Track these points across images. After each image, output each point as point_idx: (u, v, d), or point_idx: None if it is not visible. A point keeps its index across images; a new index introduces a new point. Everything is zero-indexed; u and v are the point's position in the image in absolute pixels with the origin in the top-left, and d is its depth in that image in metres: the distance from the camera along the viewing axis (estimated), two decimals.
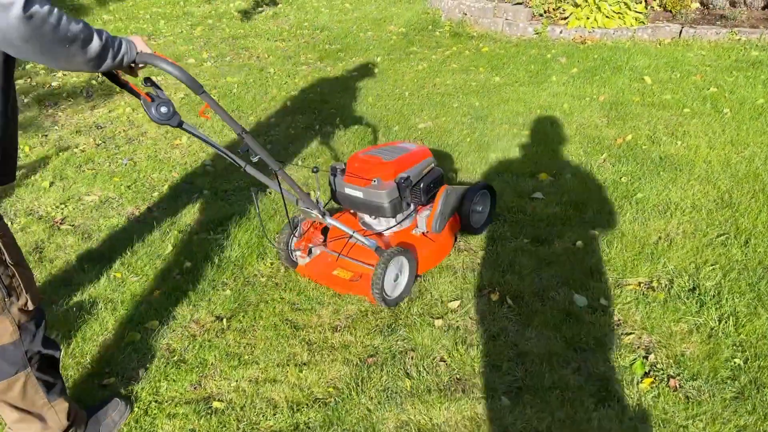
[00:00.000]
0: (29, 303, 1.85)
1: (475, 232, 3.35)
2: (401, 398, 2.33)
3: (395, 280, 2.82)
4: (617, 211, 3.57)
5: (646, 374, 2.44)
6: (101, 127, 5.09)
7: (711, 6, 7.41)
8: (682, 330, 2.66)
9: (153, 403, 2.34)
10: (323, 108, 5.36)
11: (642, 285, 2.95)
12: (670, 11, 7.42)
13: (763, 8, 7.27)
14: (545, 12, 7.50)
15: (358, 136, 4.74)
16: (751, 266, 3.03)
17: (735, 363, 2.46)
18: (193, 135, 2.30)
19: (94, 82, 6.17)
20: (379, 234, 3.04)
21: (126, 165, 4.36)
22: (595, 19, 7.15)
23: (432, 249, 3.07)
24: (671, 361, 2.50)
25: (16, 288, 1.81)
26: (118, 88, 2.07)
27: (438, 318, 2.74)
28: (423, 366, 2.48)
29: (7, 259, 1.78)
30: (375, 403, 2.31)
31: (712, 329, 2.64)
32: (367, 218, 3.12)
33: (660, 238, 3.29)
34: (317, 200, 2.87)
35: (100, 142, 4.79)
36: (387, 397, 2.34)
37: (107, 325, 2.74)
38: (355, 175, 2.94)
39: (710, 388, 2.35)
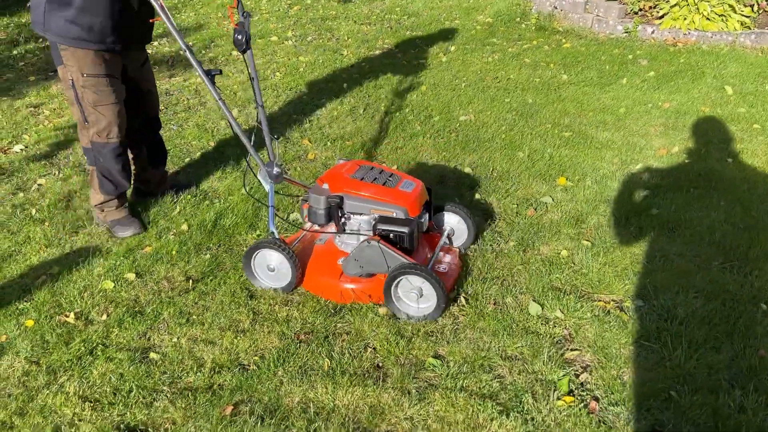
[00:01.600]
0: None
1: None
2: (315, 377, 2.41)
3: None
4: (622, 224, 3.39)
5: (570, 392, 2.35)
6: (170, 94, 5.50)
7: None
8: (629, 353, 2.52)
9: (100, 345, 2.60)
10: (375, 93, 5.44)
11: (612, 303, 2.82)
12: None
13: None
14: (640, 10, 7.07)
15: (394, 123, 4.79)
16: (739, 298, 2.79)
17: (669, 395, 2.31)
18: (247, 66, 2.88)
19: (181, 53, 6.65)
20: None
21: (174, 131, 4.71)
22: (692, 21, 6.65)
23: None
24: (603, 383, 2.39)
25: None
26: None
27: (384, 307, 2.78)
28: (350, 350, 2.55)
29: None
30: (289, 378, 2.41)
31: (661, 358, 2.48)
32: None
33: (656, 257, 3.10)
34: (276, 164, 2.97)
35: (162, 108, 5.19)
36: (303, 373, 2.43)
37: (93, 270, 3.05)
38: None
39: (630, 417, 2.23)
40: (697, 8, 6.63)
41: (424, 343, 2.58)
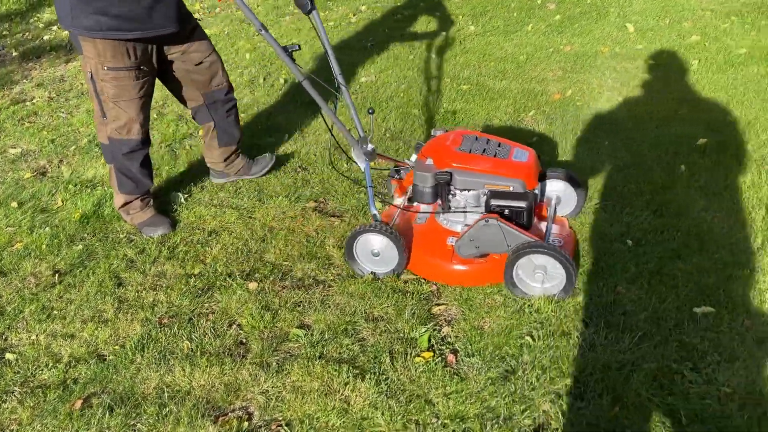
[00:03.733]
0: None
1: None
2: (174, 360, 2.37)
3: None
4: None
5: (430, 348, 2.35)
6: (64, 81, 5.30)
7: None
8: (494, 303, 2.53)
9: None
10: (277, 62, 5.30)
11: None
12: None
13: None
14: None
15: (293, 91, 4.68)
16: (608, 236, 2.81)
17: (525, 341, 2.32)
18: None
19: None
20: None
21: (63, 119, 4.54)
22: None
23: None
24: (464, 335, 2.39)
25: None
26: None
27: (254, 281, 2.74)
28: (213, 329, 2.51)
29: None
30: (146, 364, 2.36)
31: (523, 305, 2.49)
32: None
33: None
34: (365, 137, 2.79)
35: (54, 95, 5.00)
36: (162, 358, 2.39)
37: None
38: None
39: (483, 365, 2.24)
40: None
41: (290, 315, 2.55)
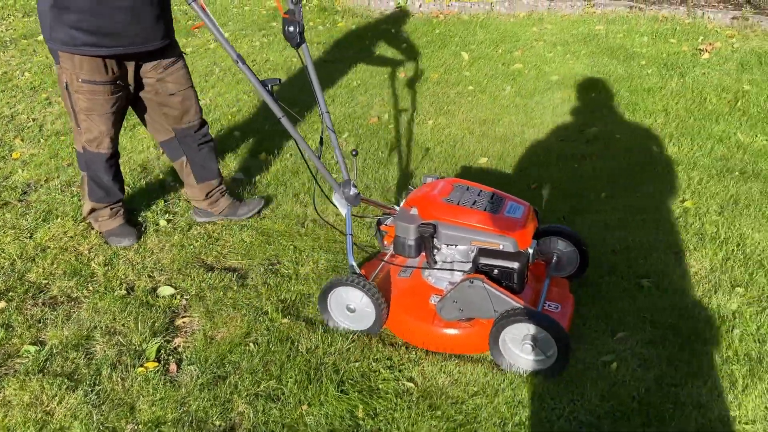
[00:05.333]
0: None
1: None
2: None
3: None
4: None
5: (158, 359, 2.41)
6: None
7: None
8: (232, 315, 2.61)
9: None
10: None
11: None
12: None
13: None
14: None
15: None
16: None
17: (249, 348, 2.42)
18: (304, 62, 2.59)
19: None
20: None
21: None
22: None
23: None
24: (195, 344, 2.46)
25: None
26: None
27: (4, 301, 2.73)
28: None
29: None
30: None
31: (259, 310, 2.59)
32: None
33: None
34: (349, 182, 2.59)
35: None
36: None
37: None
38: None
39: (199, 373, 2.31)
40: None
41: (27, 331, 2.55)
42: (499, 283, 2.30)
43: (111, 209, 3.14)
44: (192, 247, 3.09)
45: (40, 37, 6.84)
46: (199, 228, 3.24)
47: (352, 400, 2.18)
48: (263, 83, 2.44)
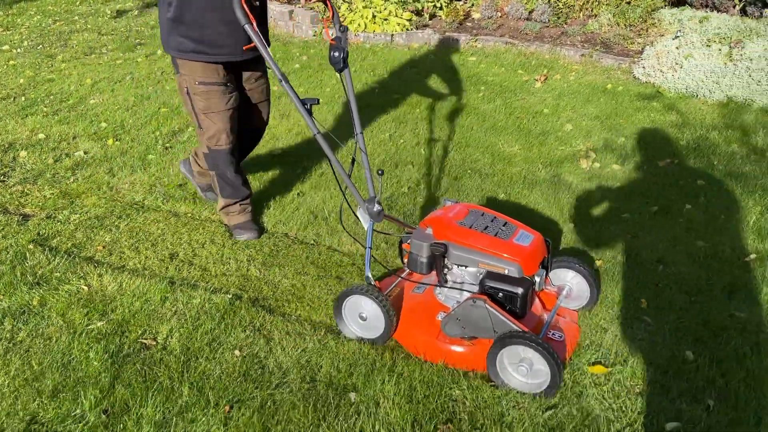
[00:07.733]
0: None
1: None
2: None
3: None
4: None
5: None
6: None
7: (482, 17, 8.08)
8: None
9: None
10: None
11: None
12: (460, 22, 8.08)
13: (524, 19, 7.87)
14: (325, 16, 8.33)
15: None
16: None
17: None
18: (343, 85, 2.80)
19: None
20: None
21: None
22: (360, 24, 7.94)
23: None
24: None
25: None
26: None
27: None
28: None
29: None
30: None
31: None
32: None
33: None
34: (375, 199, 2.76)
35: None
36: None
37: None
38: None
39: None
40: (362, 15, 7.93)
41: None
42: (503, 306, 2.44)
43: (240, 205, 3.49)
44: None
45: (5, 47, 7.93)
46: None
47: None
48: (303, 102, 2.69)
